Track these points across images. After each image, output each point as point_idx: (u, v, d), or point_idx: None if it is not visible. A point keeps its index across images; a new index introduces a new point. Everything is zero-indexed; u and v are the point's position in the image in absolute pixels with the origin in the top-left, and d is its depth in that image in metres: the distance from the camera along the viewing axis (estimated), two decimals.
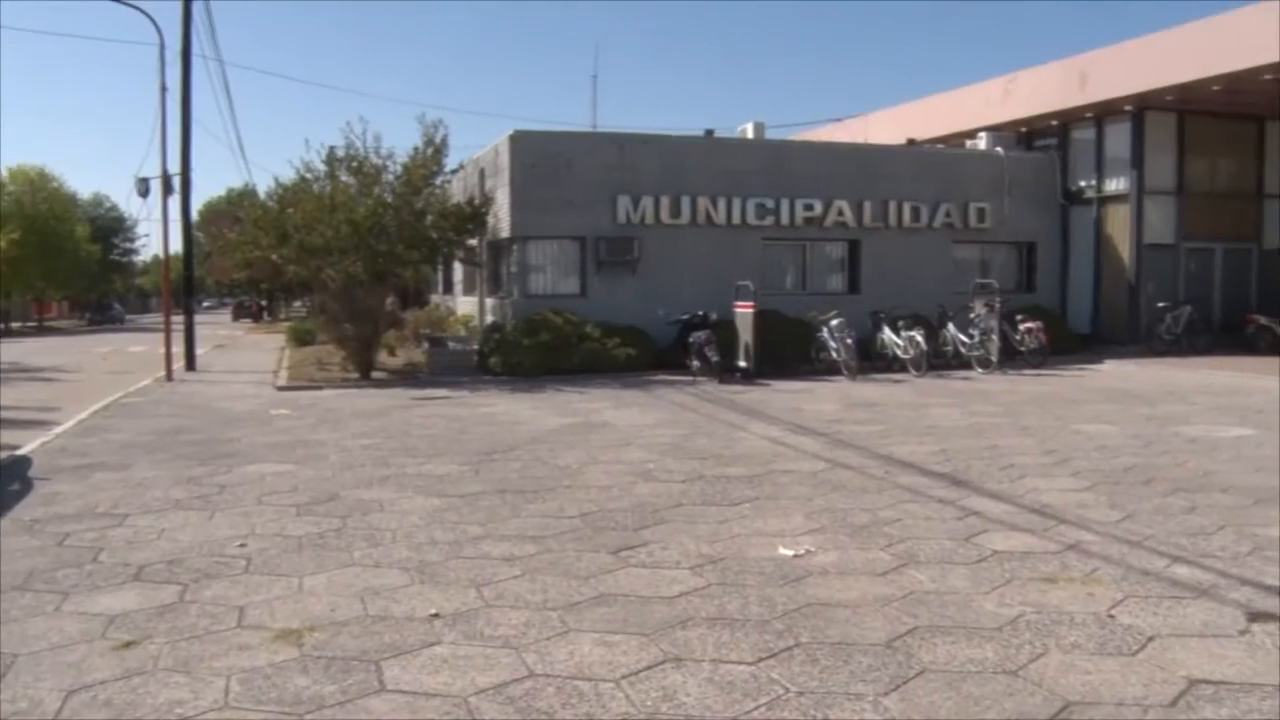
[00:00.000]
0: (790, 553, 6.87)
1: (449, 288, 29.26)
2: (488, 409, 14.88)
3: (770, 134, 25.41)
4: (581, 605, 5.80)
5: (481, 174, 23.14)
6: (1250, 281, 25.46)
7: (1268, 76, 20.32)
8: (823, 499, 8.55)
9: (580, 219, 20.96)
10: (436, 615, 5.62)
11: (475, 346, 20.48)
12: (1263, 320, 23.37)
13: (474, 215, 21.41)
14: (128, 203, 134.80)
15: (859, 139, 27.08)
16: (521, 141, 20.91)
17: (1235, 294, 25.17)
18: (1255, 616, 5.64)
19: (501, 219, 21.45)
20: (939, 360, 20.53)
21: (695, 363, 18.61)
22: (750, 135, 24.91)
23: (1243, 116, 24.79)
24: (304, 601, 5.90)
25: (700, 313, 19.63)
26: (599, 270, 21.14)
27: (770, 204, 22.22)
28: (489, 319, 22.77)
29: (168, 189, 22.02)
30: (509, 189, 20.82)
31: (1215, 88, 21.46)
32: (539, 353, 19.06)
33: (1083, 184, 25.29)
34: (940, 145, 26.63)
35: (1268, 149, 25.57)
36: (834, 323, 19.52)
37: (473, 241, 22.44)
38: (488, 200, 22.10)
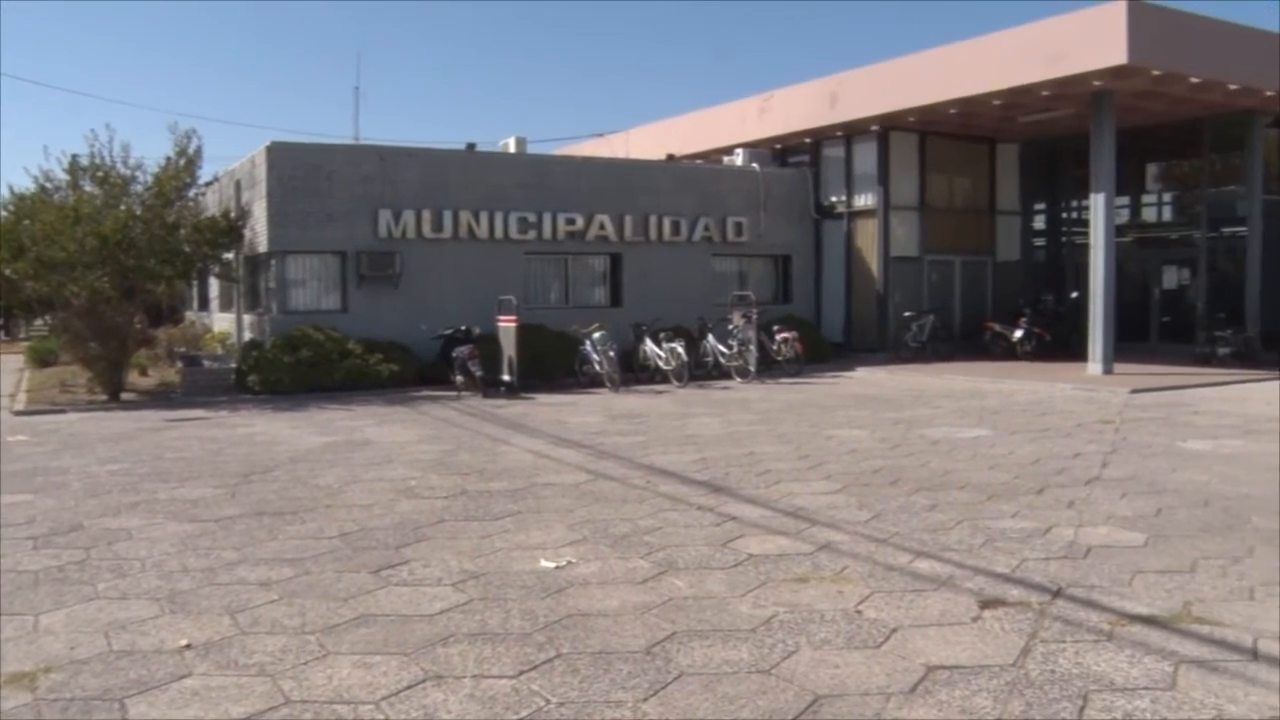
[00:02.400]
0: (552, 565, 6.95)
1: (205, 304, 28.15)
2: (246, 429, 14.41)
3: (532, 148, 25.55)
4: (341, 627, 5.72)
5: (238, 186, 22.38)
6: (986, 291, 27.15)
7: (997, 102, 21.75)
8: (585, 510, 8.67)
9: (341, 233, 20.51)
10: (188, 646, 5.43)
11: (233, 365, 19.77)
12: (997, 327, 24.95)
13: (230, 229, 20.66)
14: None
15: (620, 154, 27.53)
16: (279, 153, 20.32)
17: (973, 303, 26.80)
18: (987, 604, 6.06)
19: (259, 233, 20.78)
20: (700, 371, 21.06)
21: (459, 377, 18.50)
22: (512, 149, 24.98)
23: (977, 138, 26.47)
24: (39, 642, 5.58)
25: (463, 327, 19.52)
26: (361, 285, 20.74)
27: (532, 218, 22.29)
28: (247, 336, 22.02)
29: None
30: (266, 202, 20.20)
31: (952, 110, 22.80)
32: (300, 370, 18.56)
33: (834, 199, 26.40)
34: (699, 161, 27.31)
35: (999, 168, 27.37)
36: (596, 335, 19.74)
37: (229, 256, 21.66)
38: (244, 213, 21.39)
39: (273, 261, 20.47)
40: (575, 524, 8.17)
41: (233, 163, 23.61)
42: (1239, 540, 7.55)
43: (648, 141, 29.45)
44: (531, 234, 22.34)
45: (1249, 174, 23.58)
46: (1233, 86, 20.64)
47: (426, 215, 21.23)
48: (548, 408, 16.55)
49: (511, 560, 7.11)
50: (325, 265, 20.84)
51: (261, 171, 20.38)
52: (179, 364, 20.72)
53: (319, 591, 6.40)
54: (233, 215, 21.10)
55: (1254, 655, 5.23)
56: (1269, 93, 21.34)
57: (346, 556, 7.24)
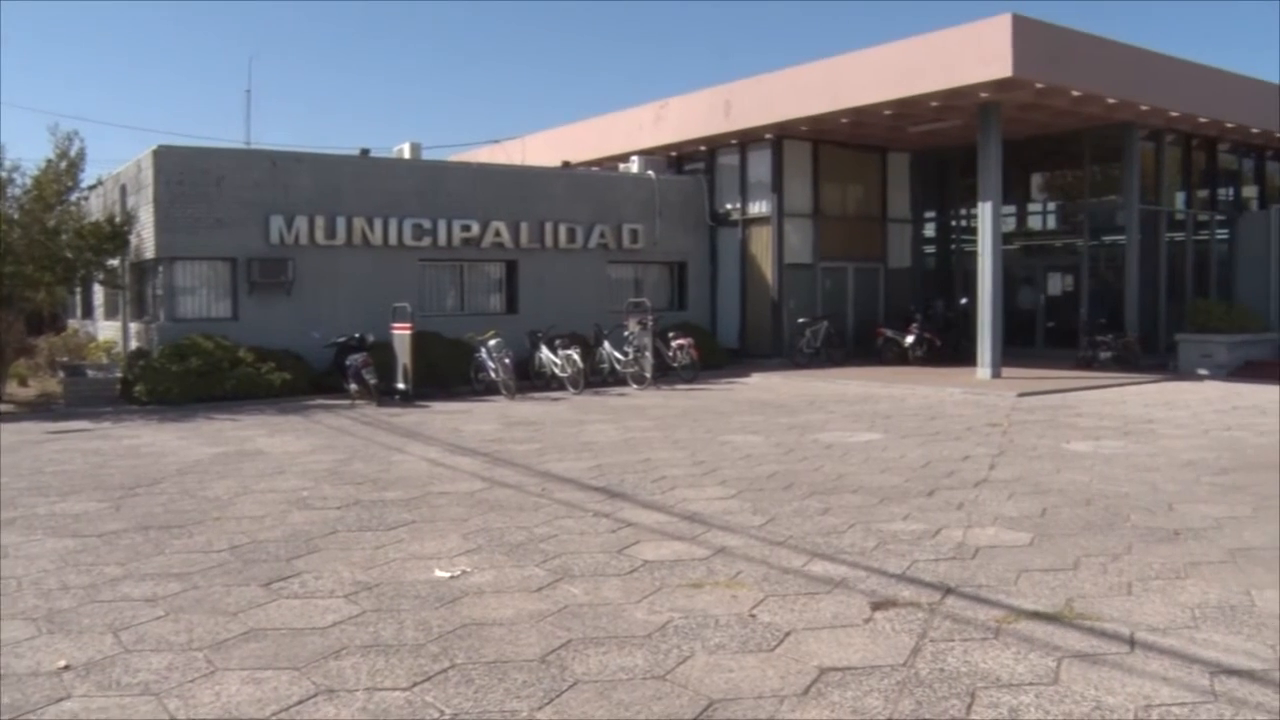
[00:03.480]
0: (446, 574, 6.89)
1: (89, 312, 27.33)
2: (132, 440, 14.04)
3: (427, 154, 25.37)
4: (230, 642, 5.60)
5: (123, 190, 21.79)
6: (878, 297, 27.61)
7: (888, 112, 22.16)
8: (480, 519, 8.62)
9: (231, 239, 20.10)
10: (67, 667, 5.26)
11: (118, 374, 19.24)
12: (889, 333, 25.40)
13: (115, 234, 20.10)
14: None
15: (516, 161, 27.41)
16: (166, 157, 19.83)
17: (866, 309, 27.23)
18: (879, 605, 6.17)
19: (146, 239, 20.26)
20: (596, 378, 21.07)
21: (353, 386, 18.26)
22: (407, 155, 24.74)
23: (868, 147, 26.94)
24: None
25: (357, 335, 19.24)
26: (252, 292, 20.35)
27: (427, 225, 22.10)
28: (134, 345, 21.43)
29: None
30: (153, 207, 19.70)
31: (844, 120, 23.16)
32: (189, 380, 18.13)
33: (729, 206, 26.62)
34: (595, 168, 27.35)
35: (890, 177, 27.88)
36: (492, 343, 19.63)
37: (114, 262, 21.05)
38: (130, 219, 20.83)
39: (160, 268, 19.99)
40: (470, 533, 8.12)
41: (118, 166, 23.03)
42: (1118, 538, 7.79)
43: (544, 148, 29.42)
44: (427, 241, 22.15)
45: (1127, 184, 24.36)
46: (1111, 100, 21.31)
47: (320, 221, 20.91)
48: (443, 416, 16.41)
49: (405, 570, 7.03)
50: (215, 272, 20.40)
51: (148, 175, 19.89)
52: (61, 374, 20.05)
53: (207, 606, 6.26)
54: (118, 220, 20.53)
55: (1131, 647, 5.41)
56: (1144, 107, 22.10)
57: (236, 570, 7.09)
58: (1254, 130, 25.76)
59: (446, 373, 20.04)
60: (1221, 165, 28.23)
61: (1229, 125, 24.98)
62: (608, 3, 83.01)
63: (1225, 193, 28.65)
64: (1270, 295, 26.45)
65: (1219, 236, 27.76)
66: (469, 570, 7.01)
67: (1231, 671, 5.08)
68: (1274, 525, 8.24)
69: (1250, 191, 29.37)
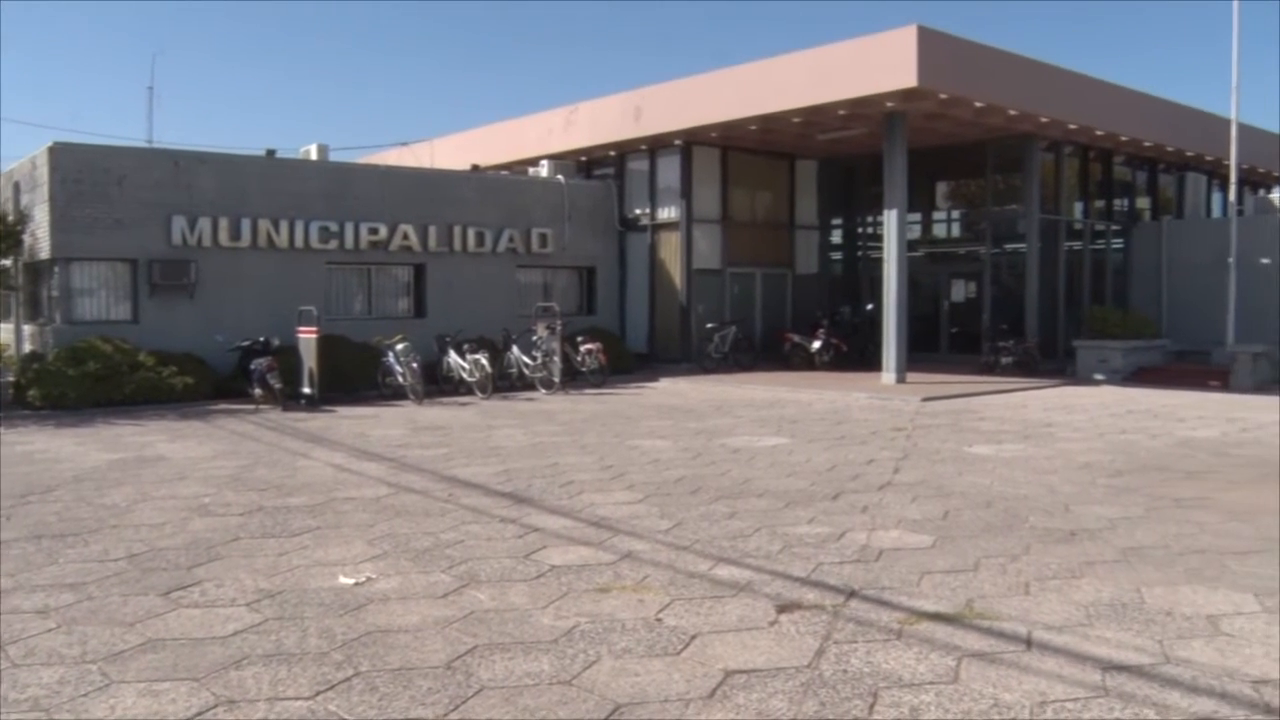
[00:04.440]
0: (351, 581, 6.82)
1: None
2: (24, 447, 13.64)
3: (335, 156, 25.02)
4: (126, 654, 5.47)
5: (16, 188, 21.19)
6: (786, 303, 27.89)
7: (796, 120, 22.39)
8: (386, 525, 8.54)
9: (132, 240, 19.64)
10: None
11: (11, 378, 18.68)
12: (796, 338, 25.68)
13: (7, 234, 19.55)
14: None
15: (425, 164, 27.22)
16: (63, 154, 19.31)
17: (773, 314, 27.49)
18: (784, 608, 6.23)
19: (41, 238, 19.72)
20: (504, 382, 20.99)
21: (257, 390, 17.95)
22: (314, 157, 24.42)
23: (777, 154, 27.20)
24: None
25: (262, 339, 18.92)
26: (153, 295, 19.90)
27: (334, 227, 21.83)
28: (27, 348, 20.84)
29: None
30: (49, 205, 19.17)
31: (753, 127, 23.36)
32: (86, 383, 17.67)
33: (638, 212, 26.70)
34: (505, 172, 27.23)
35: (798, 184, 28.19)
36: (400, 347, 19.44)
37: (6, 262, 20.49)
38: (24, 217, 20.26)
39: (56, 269, 19.48)
40: (376, 539, 8.04)
41: (11, 163, 22.40)
42: (1017, 539, 7.97)
43: (453, 152, 29.24)
44: (333, 243, 21.88)
45: (1027, 194, 24.93)
46: (1012, 112, 21.79)
47: (224, 223, 20.54)
48: (350, 421, 16.22)
49: (309, 578, 6.94)
50: (115, 273, 19.93)
51: (43, 173, 19.36)
52: None
53: (103, 617, 6.11)
54: (10, 219, 19.98)
55: (1028, 645, 5.54)
56: (1044, 119, 22.63)
57: (134, 579, 6.94)
58: (1147, 144, 26.54)
59: (353, 377, 19.81)
60: (1117, 177, 29.02)
61: (1123, 138, 25.69)
62: (519, 4, 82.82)
63: (1120, 204, 29.46)
64: (1162, 303, 27.27)
65: (1114, 246, 28.52)
66: (374, 577, 6.94)
67: (1121, 667, 5.23)
68: (1165, 525, 8.49)
69: (1144, 203, 30.23)
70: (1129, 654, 5.42)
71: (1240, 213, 25.59)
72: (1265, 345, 22.46)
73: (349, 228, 22.02)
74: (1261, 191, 32.52)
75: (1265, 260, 25.61)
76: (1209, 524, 8.58)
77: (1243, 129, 24.70)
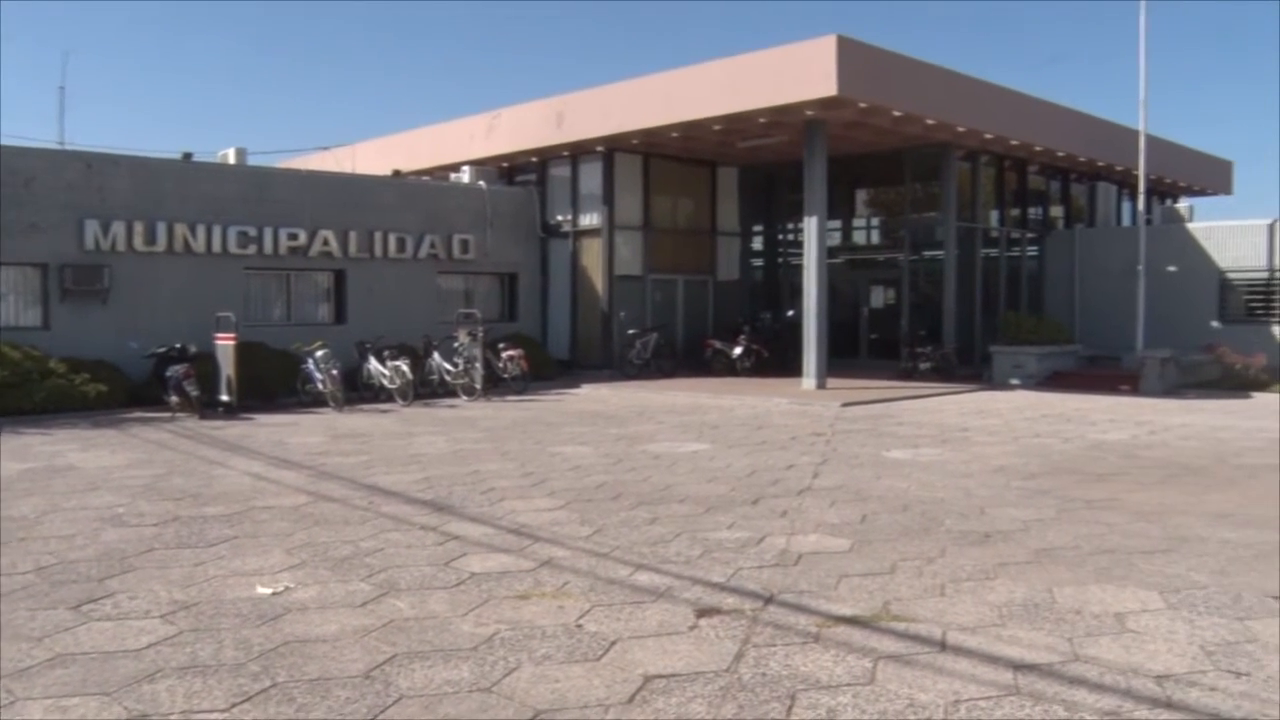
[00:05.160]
0: (269, 591, 6.74)
1: None
2: None
3: (254, 160, 24.70)
4: (33, 670, 5.34)
5: None
6: (707, 309, 28.04)
7: (717, 127, 22.54)
8: (304, 533, 8.45)
9: (42, 244, 19.17)
10: None
11: None
12: (718, 344, 25.84)
13: None
14: None
15: (346, 169, 26.98)
16: None
17: (695, 321, 27.62)
18: (703, 612, 6.27)
19: None
20: (425, 389, 20.85)
21: (174, 398, 17.64)
22: (232, 160, 24.08)
23: (698, 161, 27.36)
24: None
25: (178, 345, 18.60)
26: (65, 300, 19.46)
27: (253, 232, 21.54)
28: None
29: None
30: None
31: (674, 134, 23.47)
32: None
33: (560, 218, 26.68)
34: (427, 178, 27.07)
35: (719, 191, 28.37)
36: (319, 354, 19.23)
37: None
38: None
39: None
40: (294, 548, 7.95)
41: None
42: (933, 542, 8.10)
43: (375, 157, 29.01)
44: (252, 249, 21.58)
45: (945, 202, 25.37)
46: (930, 121, 22.14)
47: (139, 227, 20.15)
48: (268, 428, 16.01)
49: (226, 588, 6.85)
50: (24, 278, 19.44)
51: None
52: None
53: (9, 632, 5.95)
54: None
55: (943, 646, 5.64)
56: (961, 128, 23.03)
57: (42, 592, 6.78)
58: (1060, 154, 27.14)
59: (272, 384, 19.57)
60: (1031, 186, 29.62)
61: (1037, 148, 26.23)
62: (441, 7, 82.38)
63: (1035, 212, 30.06)
64: (1075, 309, 27.92)
65: (1029, 253, 29.12)
66: (292, 586, 6.87)
67: (1032, 666, 5.35)
68: (1076, 526, 8.68)
69: (1057, 211, 30.92)
70: (1040, 653, 5.55)
71: (1149, 222, 26.29)
72: (1173, 350, 23.05)
73: (268, 233, 21.74)
74: (1169, 201, 33.42)
75: (1172, 268, 26.33)
76: (1118, 524, 8.79)
77: (1150, 140, 25.36)
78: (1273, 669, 5.35)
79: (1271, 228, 25.43)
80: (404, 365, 19.80)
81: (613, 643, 5.74)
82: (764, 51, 20.99)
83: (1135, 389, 21.96)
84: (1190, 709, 4.83)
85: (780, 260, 29.86)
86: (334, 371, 18.98)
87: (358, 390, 20.21)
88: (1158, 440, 14.44)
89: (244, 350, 18.69)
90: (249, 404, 18.52)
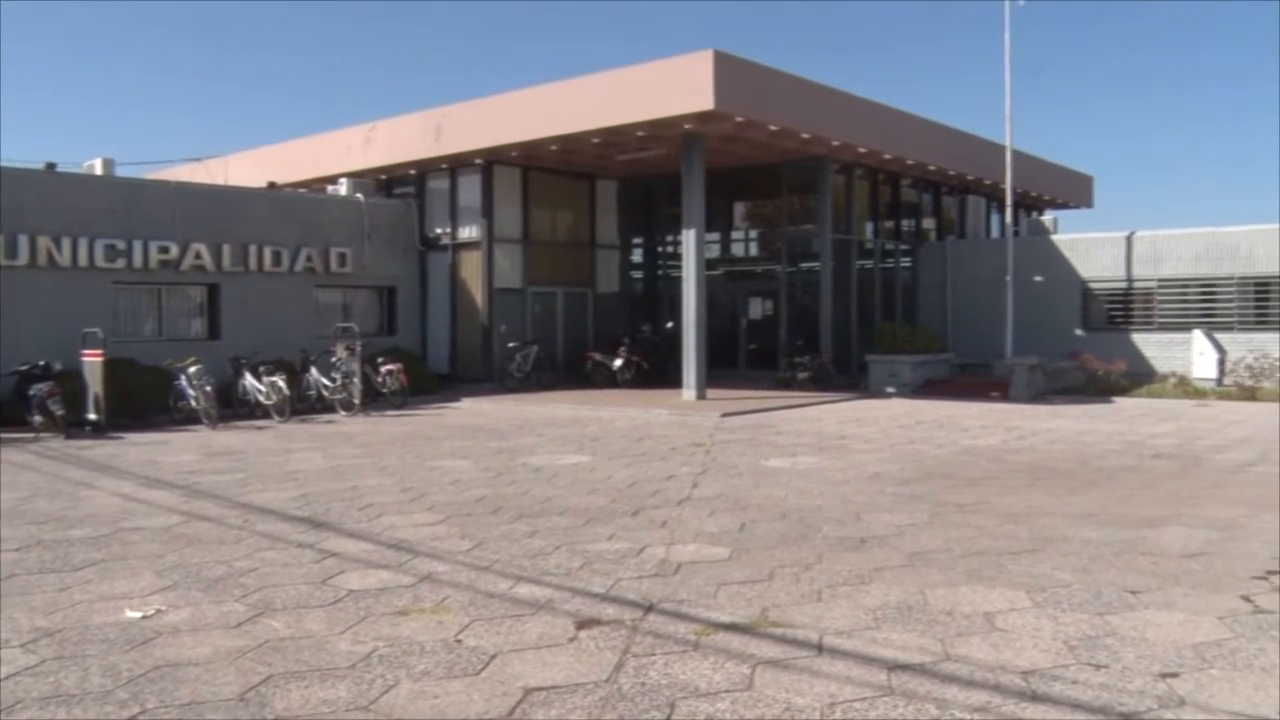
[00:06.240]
0: (138, 615, 6.56)
1: None
2: None
3: (122, 171, 24.00)
4: None
5: None
6: (588, 322, 28.10)
7: (596, 140, 22.63)
8: (176, 554, 8.24)
9: None
10: None
11: None
12: (598, 357, 25.89)
13: None
14: None
15: (219, 180, 26.39)
16: None
17: (575, 333, 27.65)
18: (583, 624, 6.29)
19: None
20: (303, 405, 20.50)
21: (37, 418, 17.05)
22: (99, 171, 23.36)
23: (578, 174, 27.44)
24: None
25: (42, 363, 17.99)
26: None
27: (122, 245, 20.94)
28: None
29: None
30: None
31: (553, 147, 23.50)
32: None
33: (439, 231, 26.51)
34: (302, 190, 26.65)
35: (599, 203, 28.47)
36: (192, 370, 18.77)
37: None
38: None
39: None
40: (165, 569, 7.75)
41: None
42: (811, 549, 8.23)
43: (249, 168, 28.46)
44: (121, 262, 20.98)
45: (821, 214, 25.84)
46: (805, 135, 22.54)
47: None
48: (139, 447, 15.57)
49: (93, 613, 6.64)
50: None
51: None
52: None
53: None
54: None
55: (820, 650, 5.75)
56: (836, 142, 23.50)
57: None
58: (931, 167, 27.88)
59: (144, 402, 19.03)
60: (905, 199, 30.35)
61: (910, 162, 26.89)
62: (316, 17, 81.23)
63: (908, 224, 30.82)
64: (948, 319, 28.64)
65: (903, 264, 29.79)
66: (163, 609, 6.70)
67: (906, 667, 5.48)
68: (948, 530, 8.91)
69: (930, 223, 31.72)
70: (913, 654, 5.69)
71: (1016, 233, 27.08)
72: (1040, 357, 23.80)
73: (138, 246, 21.16)
74: (1035, 214, 34.49)
75: (1038, 278, 27.19)
76: (987, 527, 9.05)
77: (1017, 155, 26.19)
78: (1129, 660, 5.58)
79: (1129, 240, 26.45)
80: (280, 381, 19.43)
81: (492, 656, 5.72)
82: (642, 65, 21.15)
83: (1005, 395, 22.61)
84: (1054, 701, 5.01)
85: (660, 272, 30.06)
86: (208, 388, 18.54)
87: (233, 407, 19.76)
88: (1026, 445, 14.89)
89: (113, 367, 18.16)
90: (119, 423, 18.00)
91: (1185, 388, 23.16)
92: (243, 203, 23.41)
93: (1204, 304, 25.47)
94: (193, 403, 18.65)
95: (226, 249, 22.46)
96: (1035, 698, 5.05)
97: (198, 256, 22.01)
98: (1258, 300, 24.92)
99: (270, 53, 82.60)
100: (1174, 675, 5.36)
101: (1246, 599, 6.78)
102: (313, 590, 7.12)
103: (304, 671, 5.51)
